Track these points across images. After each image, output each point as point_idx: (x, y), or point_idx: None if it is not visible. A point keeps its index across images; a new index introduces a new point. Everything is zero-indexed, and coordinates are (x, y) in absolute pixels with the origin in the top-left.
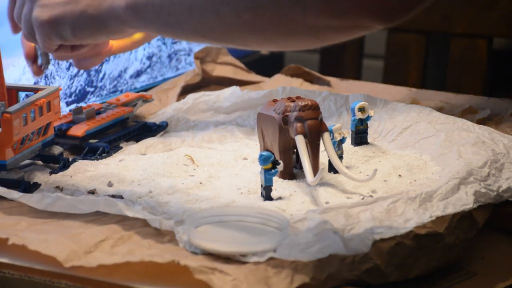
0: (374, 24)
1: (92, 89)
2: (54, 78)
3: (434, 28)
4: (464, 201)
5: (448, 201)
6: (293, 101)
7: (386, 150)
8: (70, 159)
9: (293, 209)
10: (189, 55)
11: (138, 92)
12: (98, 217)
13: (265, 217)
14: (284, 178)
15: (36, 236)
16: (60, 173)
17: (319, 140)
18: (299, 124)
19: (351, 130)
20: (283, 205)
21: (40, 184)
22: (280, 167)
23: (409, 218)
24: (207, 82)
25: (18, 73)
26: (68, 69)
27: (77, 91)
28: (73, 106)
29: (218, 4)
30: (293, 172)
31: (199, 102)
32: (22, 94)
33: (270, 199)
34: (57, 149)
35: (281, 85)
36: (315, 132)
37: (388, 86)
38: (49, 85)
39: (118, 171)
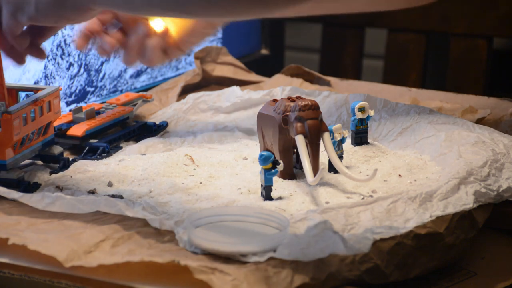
0: None
1: (92, 89)
2: (54, 78)
3: (434, 28)
4: (464, 201)
5: (448, 201)
6: (293, 101)
7: (386, 150)
8: (70, 159)
9: (293, 209)
10: (189, 55)
11: (138, 92)
12: (98, 217)
13: (265, 217)
14: (284, 178)
15: (36, 236)
16: (60, 173)
17: (319, 140)
18: (299, 124)
19: (351, 130)
20: (283, 205)
21: (40, 184)
22: (280, 167)
23: (409, 218)
24: (207, 82)
25: (18, 73)
26: (68, 69)
27: (77, 91)
28: (73, 106)
29: None
30: (293, 172)
31: (199, 102)
32: (22, 94)
33: (270, 199)
34: (57, 149)
35: (281, 85)
36: (315, 132)
37: (388, 86)
38: (49, 85)
39: (118, 171)
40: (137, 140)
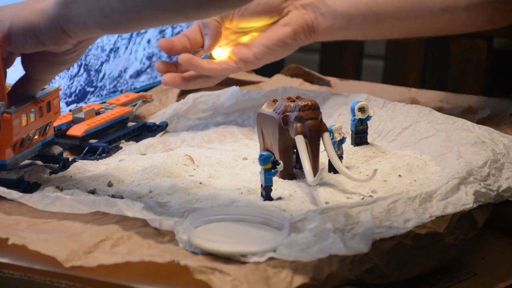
0: None
1: (92, 89)
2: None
3: None
4: (464, 201)
5: (448, 201)
6: (293, 101)
7: (386, 150)
8: (70, 159)
9: (293, 209)
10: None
11: (138, 92)
12: (98, 217)
13: (265, 217)
14: (284, 178)
15: (36, 236)
16: (60, 173)
17: (319, 140)
18: (299, 124)
19: (351, 130)
20: (283, 205)
21: (40, 184)
22: (280, 167)
23: (409, 218)
24: None
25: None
26: (68, 69)
27: (77, 91)
28: (73, 106)
29: None
30: (293, 172)
31: (199, 102)
32: None
33: (270, 199)
34: (57, 149)
35: (281, 85)
36: (315, 132)
37: (388, 86)
38: (49, 85)
39: (118, 171)
40: (137, 140)
